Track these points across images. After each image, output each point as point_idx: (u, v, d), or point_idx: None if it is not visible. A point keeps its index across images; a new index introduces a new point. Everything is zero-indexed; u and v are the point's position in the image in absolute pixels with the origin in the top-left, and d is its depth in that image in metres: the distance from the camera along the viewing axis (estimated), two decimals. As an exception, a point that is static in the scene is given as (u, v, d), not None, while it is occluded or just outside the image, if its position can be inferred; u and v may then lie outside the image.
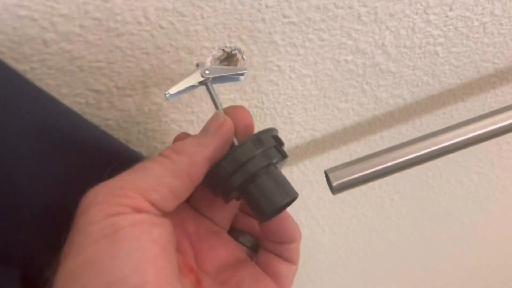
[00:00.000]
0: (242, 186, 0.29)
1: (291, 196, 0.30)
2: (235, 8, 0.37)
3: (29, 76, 0.35)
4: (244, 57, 0.41)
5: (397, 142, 0.60)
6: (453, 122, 0.60)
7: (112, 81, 0.38)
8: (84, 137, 0.35)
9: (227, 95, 0.44)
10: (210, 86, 0.34)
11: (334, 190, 0.44)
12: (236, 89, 0.44)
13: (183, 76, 0.34)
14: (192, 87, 0.34)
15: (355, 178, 0.45)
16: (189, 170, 0.27)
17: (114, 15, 0.34)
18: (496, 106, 0.60)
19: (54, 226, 0.29)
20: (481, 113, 0.60)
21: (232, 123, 0.30)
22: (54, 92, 0.37)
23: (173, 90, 0.33)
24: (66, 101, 0.38)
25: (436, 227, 0.79)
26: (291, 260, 0.32)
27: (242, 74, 0.37)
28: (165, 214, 0.27)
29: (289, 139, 0.51)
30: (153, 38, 0.37)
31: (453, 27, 0.47)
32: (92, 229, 0.23)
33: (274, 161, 0.30)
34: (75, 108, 0.39)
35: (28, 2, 0.32)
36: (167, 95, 0.33)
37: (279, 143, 0.32)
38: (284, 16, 0.40)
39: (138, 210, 0.25)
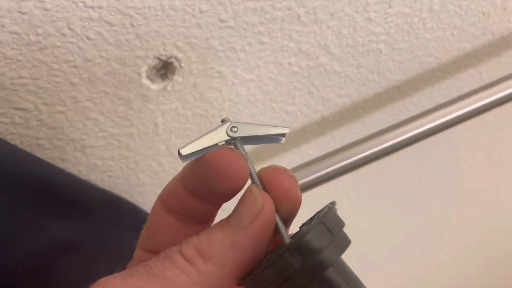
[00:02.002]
0: None
1: None
2: (167, 15, 0.36)
3: None
4: (182, 65, 0.39)
5: (348, 141, 0.59)
6: (402, 117, 0.60)
7: (39, 98, 0.36)
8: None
9: (168, 104, 0.42)
10: (240, 146, 0.25)
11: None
12: (177, 98, 0.42)
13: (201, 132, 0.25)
14: (215, 146, 0.25)
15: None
16: (219, 283, 0.21)
17: (34, 27, 0.32)
18: (441, 100, 0.61)
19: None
20: (428, 107, 0.61)
21: (273, 205, 0.22)
22: (-27, 114, 0.34)
23: (188, 149, 0.24)
24: (-11, 122, 0.35)
25: (394, 222, 0.79)
26: None
27: (283, 135, 0.27)
28: None
29: (238, 145, 0.50)
30: (80, 50, 0.35)
31: (394, 24, 0.47)
32: None
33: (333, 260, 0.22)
34: (1, 129, 0.36)
35: None
36: (180, 156, 0.24)
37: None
38: (221, 21, 0.38)
39: None
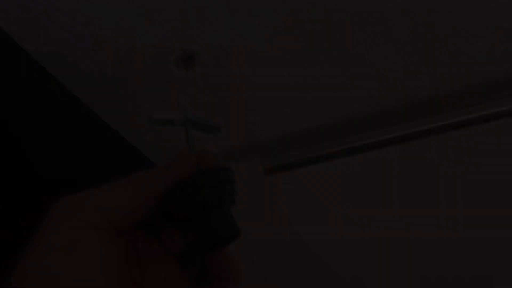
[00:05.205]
0: (191, 213, 0.32)
1: (234, 231, 0.33)
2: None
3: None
4: (205, 57, 0.46)
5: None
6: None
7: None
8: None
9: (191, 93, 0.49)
10: (189, 129, 0.38)
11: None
12: (201, 87, 0.48)
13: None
14: (171, 123, 0.38)
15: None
16: (147, 195, 0.31)
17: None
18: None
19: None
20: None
21: (195, 162, 0.34)
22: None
23: (154, 115, 0.37)
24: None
25: (411, 229, 0.77)
26: None
27: (219, 130, 0.40)
28: (120, 232, 0.30)
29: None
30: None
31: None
32: (51, 238, 0.27)
33: (226, 196, 0.33)
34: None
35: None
36: (147, 119, 0.38)
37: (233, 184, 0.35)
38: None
39: (96, 228, 0.28)
